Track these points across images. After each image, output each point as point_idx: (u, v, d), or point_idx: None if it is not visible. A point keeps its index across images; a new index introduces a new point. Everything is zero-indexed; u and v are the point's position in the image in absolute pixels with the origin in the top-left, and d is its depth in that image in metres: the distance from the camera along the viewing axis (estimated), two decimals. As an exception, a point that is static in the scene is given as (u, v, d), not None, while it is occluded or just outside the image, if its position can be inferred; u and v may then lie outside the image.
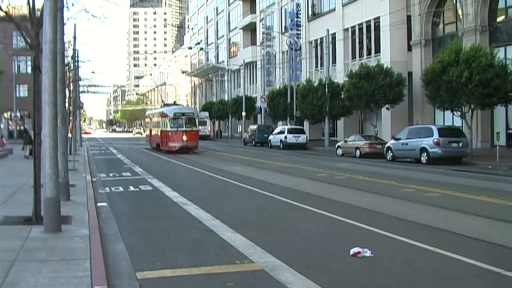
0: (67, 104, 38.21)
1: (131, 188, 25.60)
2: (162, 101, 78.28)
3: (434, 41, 54.92)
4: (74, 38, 45.29)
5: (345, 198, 21.40)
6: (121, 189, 25.27)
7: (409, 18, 57.22)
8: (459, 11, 51.23)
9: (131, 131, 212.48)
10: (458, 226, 15.39)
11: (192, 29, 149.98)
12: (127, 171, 34.93)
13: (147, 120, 76.65)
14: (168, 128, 55.69)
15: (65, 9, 19.43)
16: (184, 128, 55.14)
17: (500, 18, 48.29)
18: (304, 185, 26.28)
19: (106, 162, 44.00)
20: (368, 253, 12.03)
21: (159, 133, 59.17)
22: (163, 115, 58.06)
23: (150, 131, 68.50)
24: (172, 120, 55.71)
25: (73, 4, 23.11)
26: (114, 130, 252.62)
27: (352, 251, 12.10)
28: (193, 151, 56.35)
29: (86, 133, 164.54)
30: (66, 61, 37.12)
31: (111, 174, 32.74)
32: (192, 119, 57.10)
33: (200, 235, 14.56)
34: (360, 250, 12.13)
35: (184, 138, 54.79)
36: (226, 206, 19.85)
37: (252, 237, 13.85)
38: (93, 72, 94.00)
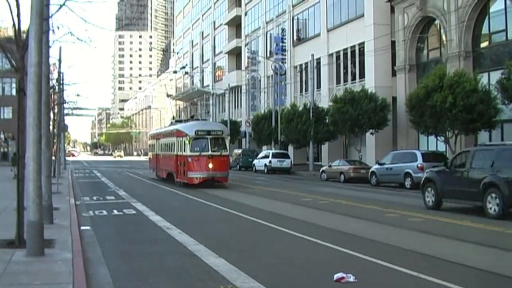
0: (51, 127, 38.08)
1: (115, 211, 25.52)
2: (173, 117, 64.80)
3: (418, 67, 55.17)
4: (59, 61, 44.78)
5: (330, 223, 21.43)
6: (105, 212, 25.18)
7: (393, 43, 57.48)
8: (443, 37, 51.52)
9: (111, 154, 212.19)
10: (441, 251, 15.42)
11: (177, 53, 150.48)
12: (111, 195, 34.84)
13: (151, 142, 60.01)
14: (188, 153, 40.71)
15: (50, 32, 19.40)
16: (210, 152, 40.40)
17: (483, 44, 48.59)
18: (289, 210, 26.31)
19: (90, 185, 43.86)
20: (351, 278, 12.02)
21: (172, 160, 44.39)
22: (179, 133, 42.86)
23: (156, 156, 52.68)
24: (193, 141, 40.72)
25: (58, 27, 23.03)
26: (96, 153, 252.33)
27: (336, 276, 12.09)
28: (222, 183, 41.98)
29: (70, 155, 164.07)
30: (51, 84, 37.28)
31: (95, 198, 32.64)
32: (221, 139, 42.03)
33: (184, 259, 14.50)
34: (344, 275, 12.11)
35: (210, 166, 40.18)
36: (209, 231, 19.87)
37: (236, 262, 13.79)
38: (78, 95, 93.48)
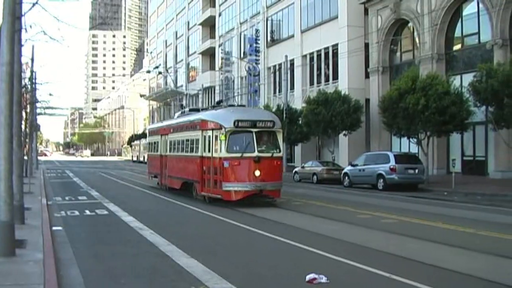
0: (23, 126, 37.79)
1: (87, 212, 25.33)
2: (182, 106, 50.39)
3: (391, 69, 55.46)
4: (32, 60, 44.41)
5: (302, 224, 21.49)
6: (77, 213, 24.97)
7: (367, 45, 57.74)
8: (416, 40, 51.83)
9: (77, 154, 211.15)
10: (413, 252, 15.51)
11: (151, 52, 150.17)
12: (83, 195, 34.60)
13: (151, 139, 45.96)
14: (223, 153, 27.94)
15: (23, 30, 19.28)
16: (256, 153, 27.67)
17: (456, 47, 48.96)
18: (262, 211, 26.28)
19: (62, 186, 43.54)
20: (324, 279, 12.05)
21: (193, 164, 31.50)
22: (206, 125, 30.06)
23: (162, 159, 39.88)
24: (231, 136, 28.15)
25: (31, 26, 22.93)
26: (67, 153, 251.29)
27: (308, 277, 12.10)
28: (273, 198, 29.19)
29: (43, 155, 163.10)
30: (23, 83, 36.71)
31: (67, 198, 32.38)
32: (272, 134, 29.28)
33: (156, 260, 14.45)
34: (316, 276, 12.14)
35: (257, 173, 27.53)
36: (181, 231, 19.89)
37: (208, 263, 13.76)
38: (50, 94, 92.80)
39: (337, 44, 61.40)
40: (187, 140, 33.40)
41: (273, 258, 15.05)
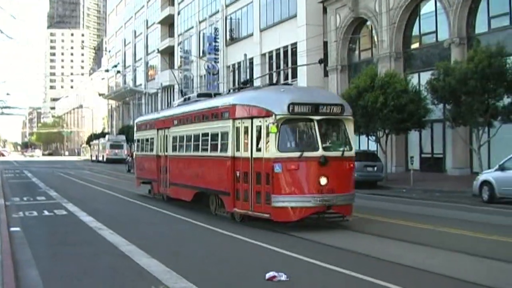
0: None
1: (46, 212, 24.96)
2: (205, 94, 33.11)
3: (350, 67, 55.69)
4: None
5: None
6: (35, 213, 24.62)
7: (325, 44, 57.91)
8: (375, 38, 52.13)
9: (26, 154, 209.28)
10: (372, 249, 15.61)
11: (109, 51, 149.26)
12: (41, 195, 34.09)
13: (143, 135, 35.72)
14: (273, 152, 19.63)
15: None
16: (320, 151, 19.38)
17: (414, 45, 49.31)
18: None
19: (21, 186, 43.02)
20: (283, 277, 12.06)
21: (220, 169, 22.85)
22: (241, 112, 21.71)
23: (159, 160, 31.14)
24: (284, 127, 20.02)
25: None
26: (23, 153, 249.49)
27: (267, 275, 12.10)
28: (342, 217, 20.40)
29: (0, 155, 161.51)
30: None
31: (25, 198, 31.89)
32: (340, 124, 21.03)
33: (116, 260, 14.33)
34: (276, 274, 12.13)
35: (324, 181, 19.30)
36: (139, 230, 19.86)
37: (167, 262, 13.66)
38: (8, 94, 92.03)
39: (296, 43, 61.48)
40: (205, 135, 24.82)
41: (231, 255, 15.12)
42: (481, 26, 42.34)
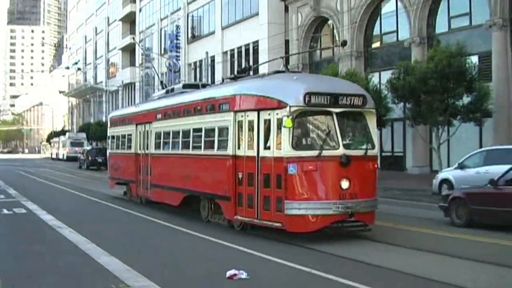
0: None
1: (5, 211, 24.54)
2: (191, 85, 29.73)
3: (311, 66, 55.70)
4: None
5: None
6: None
7: (287, 42, 57.93)
8: (336, 37, 52.26)
9: None
10: (330, 246, 15.83)
11: (70, 48, 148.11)
12: (0, 194, 33.57)
13: (118, 131, 32.93)
14: (285, 150, 16.93)
15: None
16: (341, 149, 17.01)
17: (375, 45, 49.56)
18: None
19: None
20: (244, 275, 12.13)
21: (218, 170, 20.18)
22: (245, 103, 18.96)
23: (138, 159, 28.50)
24: (299, 121, 17.41)
25: None
26: None
27: (228, 273, 12.14)
28: (364, 225, 17.43)
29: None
30: None
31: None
32: (362, 117, 18.33)
33: (76, 259, 14.16)
34: (236, 272, 12.20)
35: (345, 184, 16.83)
36: (100, 229, 19.63)
37: (128, 261, 13.55)
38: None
39: (257, 41, 61.58)
40: (197, 130, 22.06)
41: (193, 253, 15.06)
42: (441, 26, 42.65)
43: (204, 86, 27.37)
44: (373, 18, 48.71)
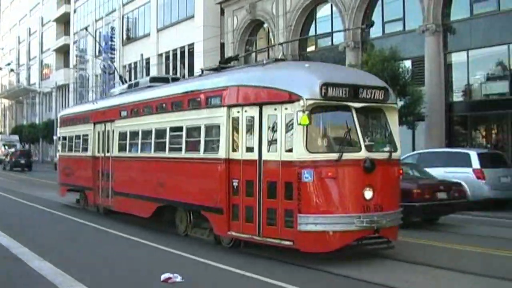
0: None
1: None
2: (159, 78, 25.95)
3: (246, 69, 55.57)
4: None
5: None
6: None
7: (222, 45, 57.90)
8: (272, 40, 52.29)
9: None
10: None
11: (2, 49, 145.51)
12: None
13: (71, 131, 29.30)
14: (299, 152, 14.15)
15: None
16: (363, 152, 14.41)
17: (310, 48, 49.77)
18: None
19: None
20: (179, 278, 12.10)
21: (204, 176, 17.11)
22: (244, 97, 15.93)
23: (97, 163, 25.32)
24: (316, 116, 14.49)
25: None
26: None
27: (163, 276, 12.08)
28: (387, 242, 14.87)
29: None
30: None
31: None
32: (382, 114, 15.76)
33: (7, 264, 13.78)
34: (171, 275, 12.16)
35: (369, 194, 14.22)
36: (34, 233, 19.20)
37: (61, 265, 13.24)
38: None
39: (193, 44, 61.40)
40: (176, 129, 18.90)
41: (127, 256, 14.83)
42: (375, 31, 42.85)
43: (174, 79, 24.51)
44: (308, 22, 48.82)
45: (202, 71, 21.65)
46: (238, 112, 15.71)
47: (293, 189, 14.01)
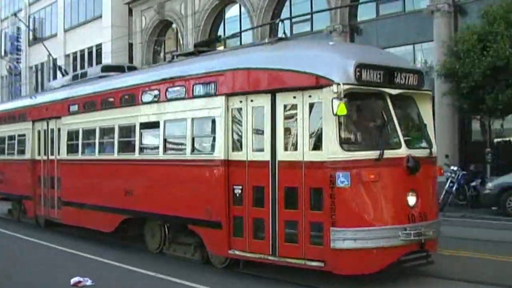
0: None
1: None
2: (113, 67, 23.49)
3: (155, 70, 55.28)
4: None
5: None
6: None
7: (131, 46, 57.59)
8: (180, 40, 52.16)
9: None
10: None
11: None
12: None
13: (11, 131, 24.96)
14: (331, 150, 11.41)
15: None
16: (404, 149, 11.98)
17: (219, 48, 49.46)
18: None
19: None
20: (89, 282, 12.01)
21: (193, 181, 14.15)
22: (254, 82, 12.87)
23: (38, 167, 22.06)
24: (351, 104, 11.51)
25: None
26: None
27: (73, 280, 11.96)
28: (427, 255, 12.17)
29: None
30: None
31: None
32: (414, 103, 13.16)
33: None
34: (81, 279, 12.05)
35: (412, 200, 11.80)
36: None
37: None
38: None
39: (101, 44, 60.70)
40: (148, 126, 16.11)
41: (36, 262, 14.78)
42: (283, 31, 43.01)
43: (131, 68, 21.52)
44: (217, 22, 48.93)
45: (173, 57, 18.29)
46: (241, 102, 12.97)
47: (323, 196, 11.50)
